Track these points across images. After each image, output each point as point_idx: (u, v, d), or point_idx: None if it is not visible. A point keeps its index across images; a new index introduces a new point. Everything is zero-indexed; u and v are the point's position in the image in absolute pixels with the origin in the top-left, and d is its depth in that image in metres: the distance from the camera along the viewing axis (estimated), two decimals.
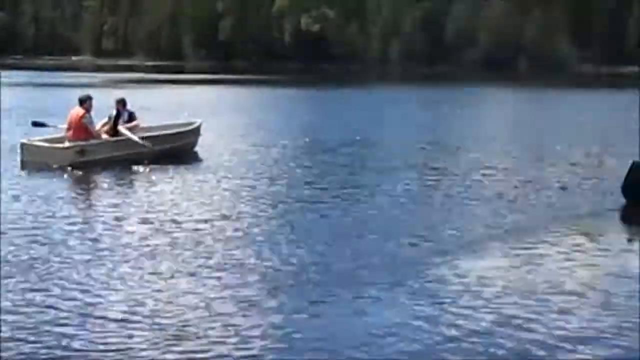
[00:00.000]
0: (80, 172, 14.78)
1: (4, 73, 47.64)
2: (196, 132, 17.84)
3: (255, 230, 10.47)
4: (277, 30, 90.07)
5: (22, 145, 15.86)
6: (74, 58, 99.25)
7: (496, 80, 54.48)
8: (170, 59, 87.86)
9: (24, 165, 15.32)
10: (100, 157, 15.63)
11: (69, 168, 14.96)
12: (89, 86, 37.29)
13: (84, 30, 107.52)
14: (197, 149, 17.75)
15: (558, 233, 10.52)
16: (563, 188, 13.72)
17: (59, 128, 16.66)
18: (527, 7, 76.46)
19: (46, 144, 15.85)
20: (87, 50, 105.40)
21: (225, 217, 11.13)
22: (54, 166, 15.01)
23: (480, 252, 9.63)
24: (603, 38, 73.59)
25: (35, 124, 17.35)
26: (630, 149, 16.79)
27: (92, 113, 16.05)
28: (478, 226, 10.83)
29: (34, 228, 10.36)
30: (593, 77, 60.57)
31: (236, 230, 10.42)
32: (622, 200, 12.26)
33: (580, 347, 6.64)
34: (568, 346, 6.66)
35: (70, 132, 15.94)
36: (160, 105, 28.61)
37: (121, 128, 16.36)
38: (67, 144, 15.78)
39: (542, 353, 6.53)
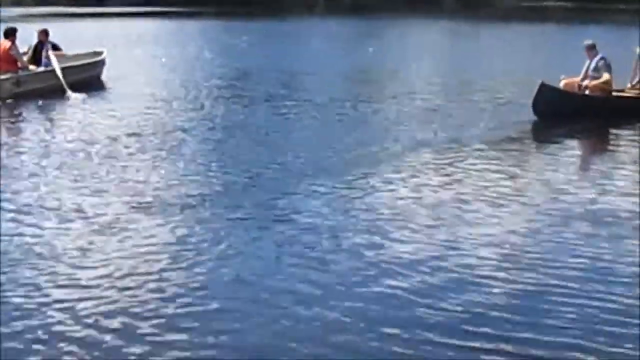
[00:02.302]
0: (17, 103, 14.87)
1: None
2: (104, 62, 18.30)
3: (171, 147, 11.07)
4: None
5: None
6: None
7: (423, 13, 54.59)
8: None
9: None
10: (33, 87, 15.65)
11: (7, 99, 14.98)
12: (7, 21, 36.08)
13: None
14: (103, 78, 18.18)
15: (478, 145, 11.63)
16: (481, 108, 14.87)
17: None
18: None
19: None
20: None
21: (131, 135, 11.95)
22: None
23: (401, 166, 10.25)
24: None
25: None
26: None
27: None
28: (399, 143, 11.61)
29: None
30: (516, 10, 61.10)
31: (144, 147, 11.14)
32: (533, 117, 13.71)
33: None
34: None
35: None
36: (79, 38, 27.96)
37: (51, 55, 16.42)
38: (0, 76, 15.54)
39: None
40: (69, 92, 15.62)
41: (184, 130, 12.45)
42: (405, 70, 21.35)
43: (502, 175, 9.91)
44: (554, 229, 7.74)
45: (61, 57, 16.81)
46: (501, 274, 6.55)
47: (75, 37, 27.55)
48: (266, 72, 20.45)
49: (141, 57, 23.82)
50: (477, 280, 6.41)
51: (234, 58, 24.31)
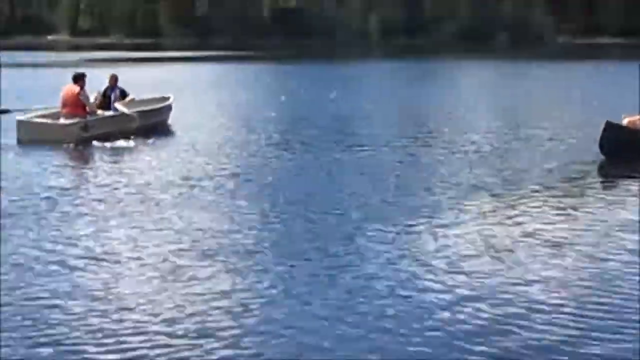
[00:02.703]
0: (84, 147, 15.01)
1: None
2: (170, 107, 18.51)
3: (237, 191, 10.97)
4: (254, 6, 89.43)
5: (20, 122, 15.58)
6: (49, 37, 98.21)
7: (476, 53, 54.63)
8: (147, 37, 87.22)
9: (20, 143, 15.06)
10: (100, 132, 15.78)
11: (73, 144, 15.10)
12: (65, 66, 36.91)
13: (60, 9, 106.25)
14: (170, 122, 18.36)
15: (544, 186, 11.58)
16: (543, 149, 14.94)
17: (26, 110, 16.61)
18: None
19: (49, 121, 15.78)
20: (63, 30, 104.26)
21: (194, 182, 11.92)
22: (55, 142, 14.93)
23: (462, 211, 10.08)
24: (578, 9, 73.93)
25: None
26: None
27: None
28: (460, 186, 11.54)
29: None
30: (570, 48, 60.85)
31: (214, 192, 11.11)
32: (599, 156, 13.73)
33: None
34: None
35: (67, 109, 16.05)
36: (139, 83, 28.54)
37: (118, 105, 16.79)
38: (68, 121, 15.83)
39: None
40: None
41: (244, 176, 12.45)
42: (462, 112, 21.33)
43: (570, 217, 9.82)
44: (616, 274, 7.64)
45: (131, 102, 17.11)
46: (563, 318, 6.51)
47: (136, 82, 28.14)
48: (322, 116, 20.51)
49: (203, 102, 24.16)
50: (538, 326, 6.36)
51: (291, 102, 24.52)
